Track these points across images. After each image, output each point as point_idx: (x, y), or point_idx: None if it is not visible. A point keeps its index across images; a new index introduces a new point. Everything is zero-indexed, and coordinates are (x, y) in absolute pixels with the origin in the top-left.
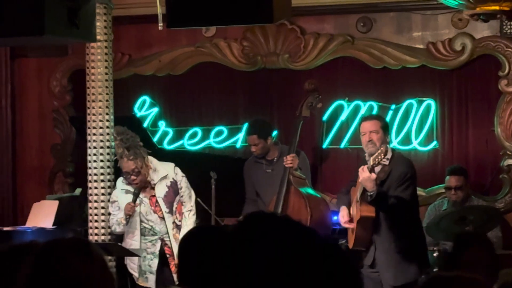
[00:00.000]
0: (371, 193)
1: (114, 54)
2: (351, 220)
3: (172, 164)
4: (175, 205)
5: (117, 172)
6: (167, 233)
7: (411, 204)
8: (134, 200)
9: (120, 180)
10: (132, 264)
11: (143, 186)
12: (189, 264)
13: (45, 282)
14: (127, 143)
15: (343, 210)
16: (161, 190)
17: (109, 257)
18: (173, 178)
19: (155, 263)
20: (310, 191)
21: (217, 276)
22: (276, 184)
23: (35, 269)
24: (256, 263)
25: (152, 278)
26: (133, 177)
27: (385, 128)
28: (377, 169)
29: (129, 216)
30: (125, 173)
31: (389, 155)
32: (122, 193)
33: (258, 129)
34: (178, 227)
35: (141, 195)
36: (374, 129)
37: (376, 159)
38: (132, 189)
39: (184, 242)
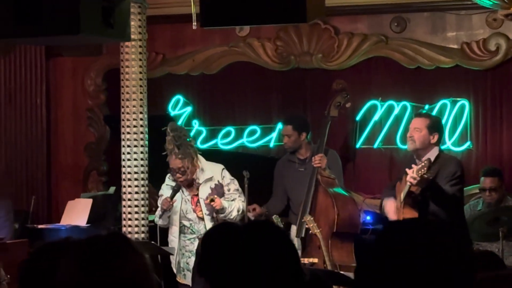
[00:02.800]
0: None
1: (148, 53)
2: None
3: (221, 166)
4: (216, 196)
5: (151, 170)
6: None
7: (458, 202)
8: (172, 196)
9: (168, 176)
10: (172, 261)
11: (186, 184)
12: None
13: (85, 278)
14: (178, 141)
15: (390, 202)
16: (204, 192)
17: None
18: (218, 181)
19: (192, 261)
20: (339, 190)
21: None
22: (307, 184)
23: (75, 266)
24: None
25: (189, 276)
26: (178, 175)
27: (432, 128)
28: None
29: (164, 211)
30: (172, 169)
31: (432, 157)
32: (167, 188)
33: (294, 120)
34: (213, 216)
35: (185, 193)
36: (417, 126)
37: (420, 172)
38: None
39: (207, 236)
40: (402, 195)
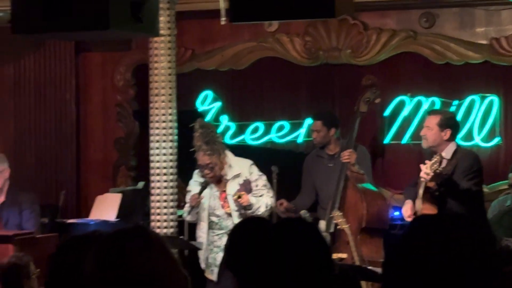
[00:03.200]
0: (436, 189)
1: (177, 49)
2: (415, 214)
3: (249, 162)
4: (243, 192)
5: (180, 165)
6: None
7: (475, 196)
8: (200, 192)
9: (196, 172)
10: (200, 257)
11: (215, 181)
12: (236, 252)
13: (106, 271)
14: (206, 138)
15: (407, 204)
16: (232, 188)
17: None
18: (246, 177)
19: (220, 256)
20: (368, 186)
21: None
22: (336, 180)
23: (97, 258)
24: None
25: (215, 271)
26: (206, 171)
27: (443, 125)
28: (444, 162)
29: (192, 208)
30: (200, 166)
31: (448, 155)
32: (195, 184)
33: (324, 116)
34: (241, 212)
35: (214, 189)
36: (428, 125)
37: (433, 167)
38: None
39: (235, 231)
40: (420, 191)
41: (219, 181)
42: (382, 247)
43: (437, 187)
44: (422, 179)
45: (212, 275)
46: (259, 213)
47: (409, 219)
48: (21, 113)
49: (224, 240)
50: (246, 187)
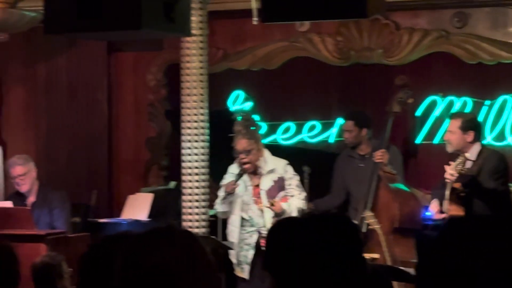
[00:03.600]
0: (461, 190)
1: (209, 49)
2: (442, 212)
3: (284, 162)
4: (276, 199)
5: (211, 165)
6: (265, 226)
7: (502, 196)
8: (236, 180)
9: (231, 166)
10: (232, 253)
11: (250, 170)
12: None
13: (133, 271)
14: (248, 126)
15: (433, 203)
16: (266, 183)
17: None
18: (280, 175)
19: (250, 254)
20: (401, 186)
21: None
22: (367, 179)
23: (125, 259)
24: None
25: (247, 269)
26: (242, 155)
27: (465, 128)
28: (469, 163)
29: (227, 194)
30: (237, 151)
31: (473, 156)
32: (231, 177)
33: (356, 116)
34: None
35: (247, 182)
36: (450, 129)
37: (457, 168)
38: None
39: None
40: (447, 193)
41: (253, 173)
42: (414, 247)
43: (463, 187)
44: (447, 180)
45: (243, 273)
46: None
47: (437, 216)
48: (54, 112)
49: (255, 237)
50: (280, 184)
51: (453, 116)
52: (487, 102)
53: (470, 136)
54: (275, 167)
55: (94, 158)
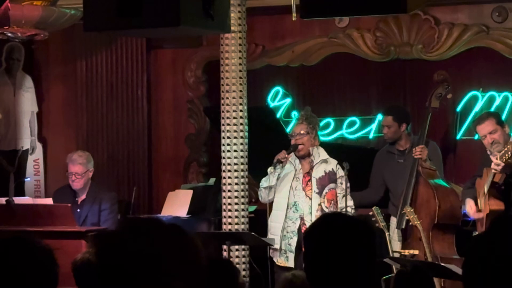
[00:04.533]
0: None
1: (248, 45)
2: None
3: (336, 161)
4: (326, 190)
5: (251, 161)
6: (310, 213)
7: None
8: (289, 152)
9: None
10: (274, 245)
11: (302, 153)
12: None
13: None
14: (309, 117)
15: (470, 201)
16: (318, 172)
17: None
18: (332, 169)
19: (294, 241)
20: (441, 182)
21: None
22: (407, 175)
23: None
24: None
25: (291, 257)
26: (298, 137)
27: (501, 123)
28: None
29: (276, 163)
30: (294, 134)
31: None
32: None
33: (395, 111)
34: (322, 212)
35: (297, 166)
36: (492, 129)
37: (504, 157)
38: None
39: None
40: (486, 187)
41: (304, 156)
42: (454, 243)
43: (504, 181)
44: (493, 171)
45: (287, 262)
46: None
47: (475, 216)
48: (94, 109)
49: (297, 224)
50: (331, 177)
51: (482, 119)
52: None
53: (507, 129)
54: (327, 157)
55: (134, 155)
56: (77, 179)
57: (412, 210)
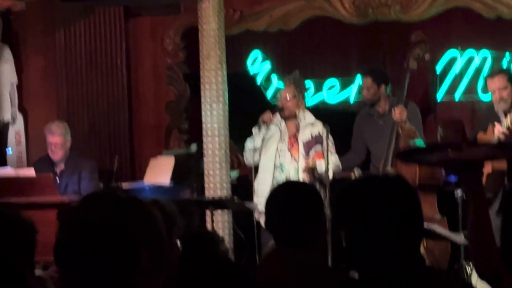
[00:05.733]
0: None
1: (226, 11)
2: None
3: (321, 123)
4: (313, 151)
5: (231, 127)
6: (296, 174)
7: None
8: (273, 112)
9: (255, 128)
10: (260, 206)
11: (287, 114)
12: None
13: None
14: (297, 79)
15: (497, 125)
16: (304, 136)
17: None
18: (319, 132)
19: None
20: (421, 142)
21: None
22: (387, 137)
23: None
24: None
25: None
26: (284, 100)
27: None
28: None
29: (261, 124)
30: (280, 97)
31: None
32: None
33: (374, 72)
34: (309, 172)
35: (283, 128)
36: (502, 85)
37: (510, 125)
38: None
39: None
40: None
41: (290, 117)
42: (435, 203)
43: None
44: (500, 138)
45: None
46: (329, 177)
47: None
48: (73, 79)
49: None
50: (318, 140)
51: (494, 73)
52: (507, 55)
53: None
54: (314, 121)
55: (115, 123)
56: (56, 150)
57: (392, 171)
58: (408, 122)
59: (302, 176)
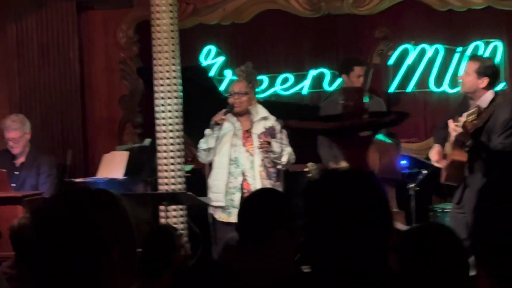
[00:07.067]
0: (468, 144)
1: (179, 4)
2: (444, 158)
3: (274, 117)
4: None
5: (185, 121)
6: (251, 168)
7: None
8: (225, 113)
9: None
10: (216, 203)
11: (238, 110)
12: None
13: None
14: (249, 72)
15: (435, 148)
16: (258, 128)
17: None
18: (272, 125)
19: (237, 197)
20: (381, 136)
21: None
22: None
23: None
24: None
25: (234, 213)
26: (237, 96)
27: (481, 73)
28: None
29: (214, 125)
30: (232, 93)
31: (484, 104)
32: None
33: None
34: (265, 168)
35: (236, 124)
36: (466, 70)
37: (469, 118)
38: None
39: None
40: (451, 138)
41: (242, 113)
42: (394, 197)
43: (469, 141)
44: (453, 133)
45: (230, 217)
46: (283, 162)
47: (437, 164)
48: (26, 73)
49: (239, 180)
50: (271, 132)
51: (472, 58)
52: (459, 49)
53: (484, 82)
54: (267, 114)
55: (68, 117)
56: (15, 144)
57: (348, 165)
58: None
59: (260, 171)
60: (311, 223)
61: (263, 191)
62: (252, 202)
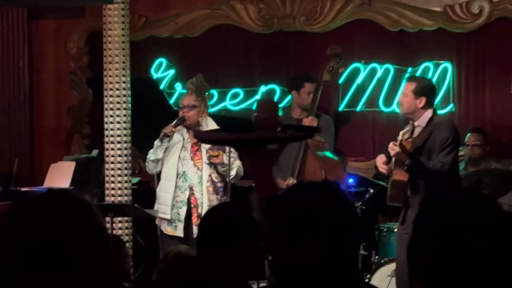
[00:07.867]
0: (407, 163)
1: (131, 16)
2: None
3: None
4: (220, 151)
5: (134, 133)
6: (199, 183)
7: (452, 169)
8: (175, 125)
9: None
10: (163, 215)
11: (188, 124)
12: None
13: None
14: (200, 85)
15: (380, 155)
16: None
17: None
18: None
19: (183, 211)
20: (328, 154)
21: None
22: (296, 146)
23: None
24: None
25: (180, 227)
26: (186, 110)
27: (418, 93)
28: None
29: (163, 137)
30: (182, 107)
31: (422, 124)
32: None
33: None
34: (213, 183)
35: (185, 137)
36: (404, 91)
37: (404, 136)
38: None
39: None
40: (393, 159)
41: (193, 126)
42: None
43: (410, 156)
44: (391, 152)
45: (176, 231)
46: (232, 175)
47: (382, 169)
48: None
49: (186, 194)
50: (220, 147)
51: (409, 79)
52: (409, 69)
53: (421, 102)
54: (217, 127)
55: (16, 126)
56: None
57: (294, 181)
58: (318, 133)
59: (207, 186)
60: (280, 237)
61: (226, 205)
62: (214, 215)
